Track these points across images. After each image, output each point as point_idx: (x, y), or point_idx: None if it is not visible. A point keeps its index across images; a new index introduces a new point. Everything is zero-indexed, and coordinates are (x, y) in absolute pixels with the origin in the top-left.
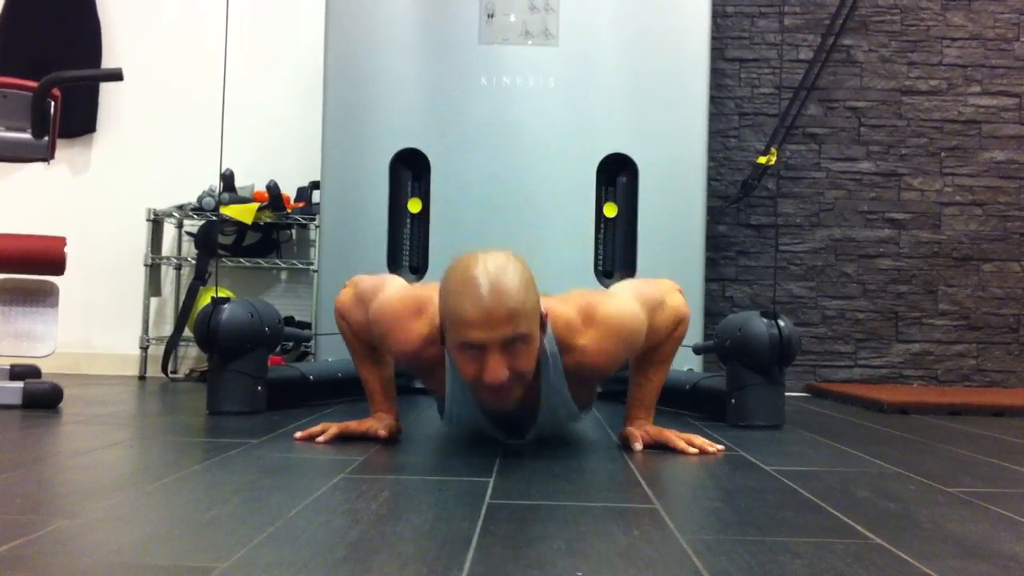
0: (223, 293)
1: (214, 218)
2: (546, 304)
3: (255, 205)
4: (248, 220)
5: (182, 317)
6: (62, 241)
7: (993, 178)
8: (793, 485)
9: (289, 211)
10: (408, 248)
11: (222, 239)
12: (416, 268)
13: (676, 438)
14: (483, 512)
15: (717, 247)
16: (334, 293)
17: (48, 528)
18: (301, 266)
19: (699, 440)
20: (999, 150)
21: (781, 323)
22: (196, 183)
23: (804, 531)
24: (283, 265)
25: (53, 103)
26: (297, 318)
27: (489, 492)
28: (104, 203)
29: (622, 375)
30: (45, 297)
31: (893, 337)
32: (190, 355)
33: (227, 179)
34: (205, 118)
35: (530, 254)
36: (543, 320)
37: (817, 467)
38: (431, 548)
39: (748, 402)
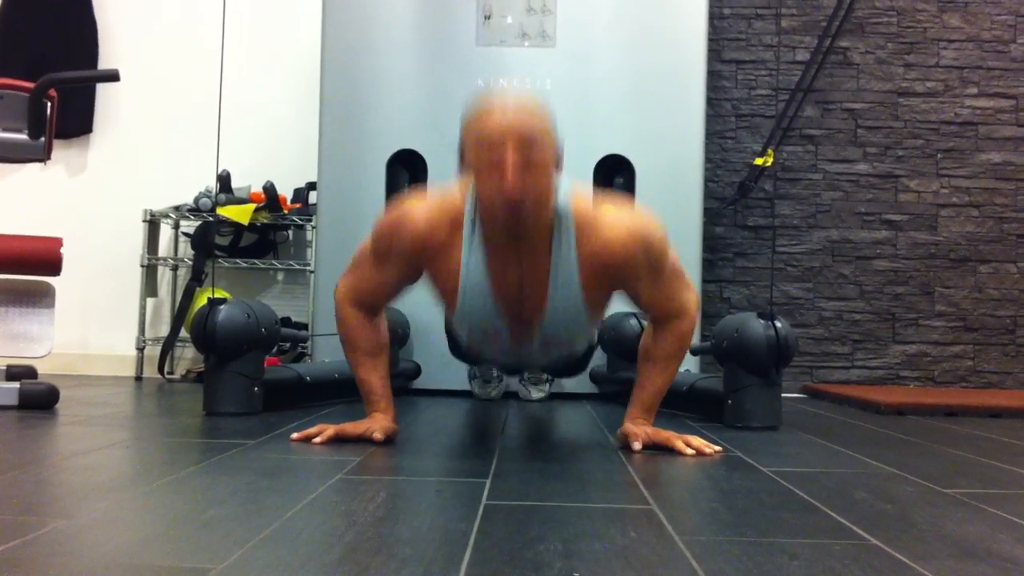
0: (220, 294)
1: (211, 219)
2: (574, 192)
3: (252, 206)
4: (245, 221)
5: (179, 318)
6: (58, 242)
7: (990, 180)
8: (790, 486)
9: (286, 212)
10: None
11: (219, 240)
12: None
13: (674, 439)
14: (480, 513)
15: (714, 248)
16: (331, 294)
17: (45, 529)
18: (298, 267)
19: (697, 441)
20: (996, 152)
21: (778, 324)
22: (193, 184)
23: (801, 532)
24: (280, 266)
25: (50, 104)
26: (294, 319)
27: (486, 493)
28: (101, 204)
29: (621, 377)
30: (41, 298)
31: (890, 338)
32: (187, 356)
33: (224, 180)
34: (202, 119)
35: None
36: (559, 159)
37: (814, 468)
38: (428, 549)
39: (745, 403)
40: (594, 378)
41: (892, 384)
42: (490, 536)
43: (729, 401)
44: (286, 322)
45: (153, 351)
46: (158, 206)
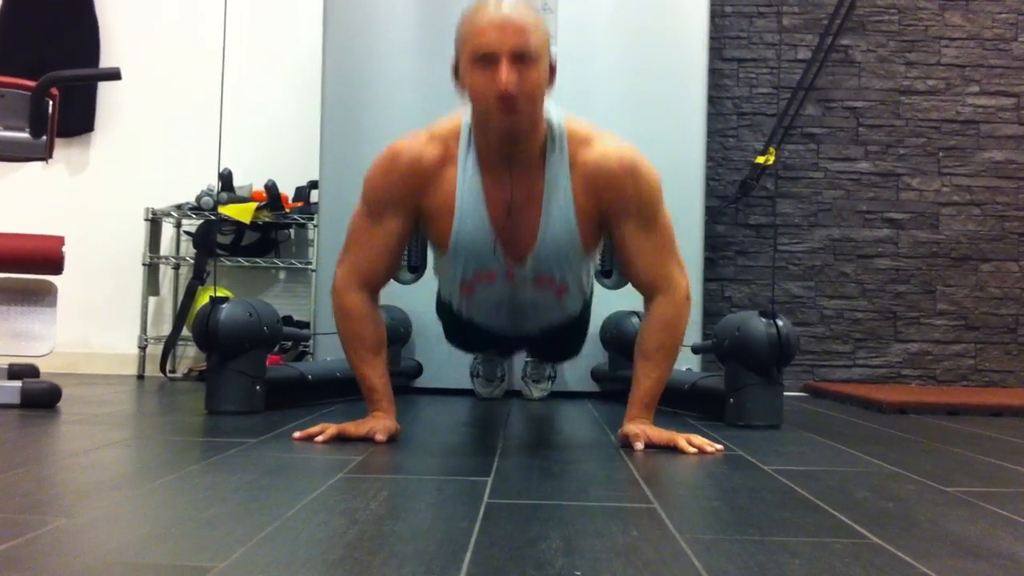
0: (221, 292)
1: (212, 217)
2: (568, 114)
3: (253, 205)
4: (246, 220)
5: (180, 316)
6: (60, 240)
7: (991, 178)
8: (791, 485)
9: (287, 211)
10: (406, 248)
11: (220, 239)
12: (414, 267)
13: (676, 437)
14: (481, 512)
15: (716, 247)
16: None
17: (46, 527)
18: (299, 266)
19: (698, 440)
20: (997, 150)
21: (779, 323)
22: (194, 183)
23: (802, 531)
24: (281, 265)
25: (51, 102)
26: (295, 317)
27: (487, 492)
28: (102, 202)
29: (621, 375)
30: (43, 296)
31: (891, 337)
32: (188, 355)
33: (225, 179)
34: (203, 118)
35: None
36: (552, 63)
37: (815, 467)
38: (429, 548)
39: (746, 402)
40: (595, 376)
41: (894, 383)
42: (491, 534)
43: (731, 400)
44: (288, 321)
45: (155, 350)
46: (160, 205)
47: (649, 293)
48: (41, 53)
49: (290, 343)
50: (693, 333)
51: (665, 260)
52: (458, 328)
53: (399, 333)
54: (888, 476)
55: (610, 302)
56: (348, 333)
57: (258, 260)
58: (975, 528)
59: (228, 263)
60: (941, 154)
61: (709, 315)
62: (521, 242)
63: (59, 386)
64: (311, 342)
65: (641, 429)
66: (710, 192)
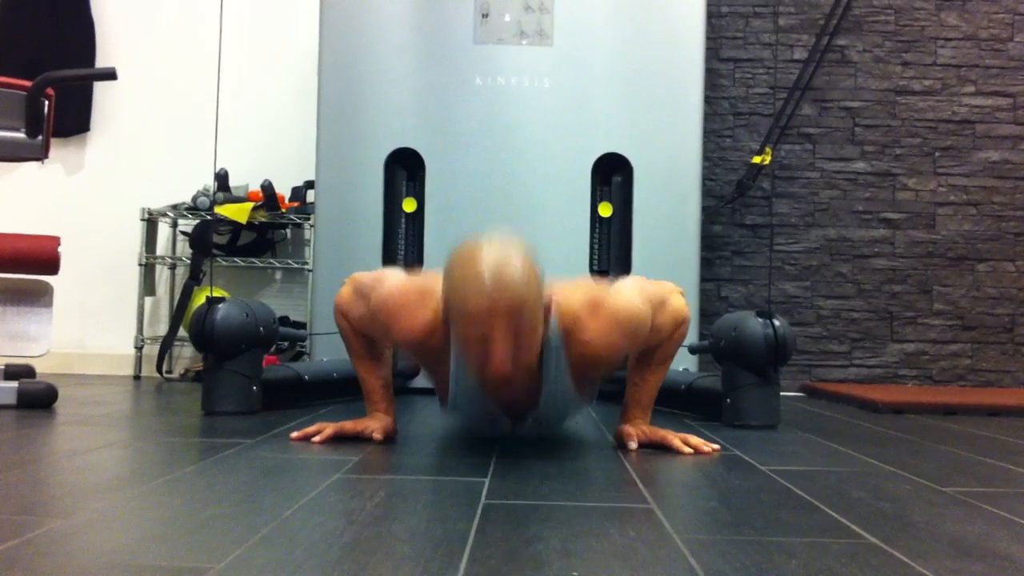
0: (218, 293)
1: (209, 217)
2: (552, 292)
3: (250, 204)
4: (243, 220)
5: (177, 317)
6: (56, 241)
7: (987, 178)
8: (788, 485)
9: (284, 211)
10: (403, 247)
11: (217, 239)
12: (411, 267)
13: (672, 437)
14: (479, 512)
15: (712, 247)
16: (329, 293)
17: (43, 529)
18: (296, 266)
19: (694, 440)
20: (993, 150)
21: (776, 323)
22: (191, 182)
23: (799, 531)
24: (278, 265)
25: (47, 102)
26: (292, 318)
27: (485, 492)
28: (98, 202)
29: (620, 375)
30: (39, 297)
31: (888, 337)
32: (185, 355)
33: (222, 178)
34: (199, 117)
35: None
36: (547, 310)
37: (812, 467)
38: (426, 548)
39: (743, 402)
40: None
41: (890, 383)
42: (489, 535)
43: (727, 400)
44: (284, 321)
45: (151, 350)
46: (156, 205)
47: (663, 340)
48: (37, 53)
49: (287, 343)
50: (690, 333)
51: (667, 318)
52: None
53: None
54: (885, 476)
55: None
56: (346, 343)
57: (254, 260)
58: (972, 528)
59: (224, 263)
60: (937, 154)
61: (706, 315)
62: (520, 408)
63: (55, 387)
64: (308, 342)
65: (638, 429)
66: (706, 192)
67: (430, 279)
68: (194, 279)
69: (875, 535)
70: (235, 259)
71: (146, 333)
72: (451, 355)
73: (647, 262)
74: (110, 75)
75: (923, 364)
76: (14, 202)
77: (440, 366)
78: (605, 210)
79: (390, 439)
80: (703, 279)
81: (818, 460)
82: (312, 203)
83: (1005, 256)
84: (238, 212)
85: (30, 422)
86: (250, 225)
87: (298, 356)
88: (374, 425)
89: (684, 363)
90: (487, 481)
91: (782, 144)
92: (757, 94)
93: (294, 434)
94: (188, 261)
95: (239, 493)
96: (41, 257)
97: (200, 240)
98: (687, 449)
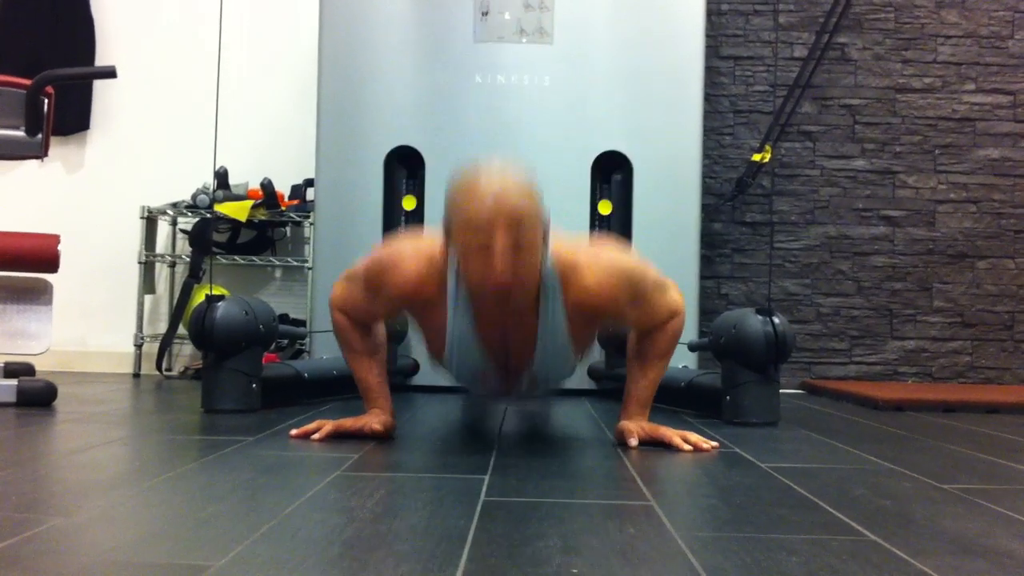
0: (217, 291)
1: (208, 216)
2: (554, 240)
3: (249, 203)
4: (242, 218)
5: (176, 315)
6: (55, 239)
7: (987, 175)
8: (788, 482)
9: (283, 209)
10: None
11: (216, 237)
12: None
13: (671, 435)
14: (478, 509)
15: (712, 244)
16: (329, 291)
17: (43, 526)
18: (296, 264)
19: (694, 437)
20: (993, 148)
21: (776, 320)
22: (190, 180)
23: (799, 528)
24: (278, 263)
25: (47, 101)
26: (292, 316)
27: (484, 489)
28: (98, 201)
29: (620, 372)
30: (39, 295)
31: (888, 334)
32: (184, 353)
33: (221, 176)
34: (199, 115)
35: None
36: (546, 233)
37: (812, 464)
38: (426, 546)
39: (743, 399)
40: (592, 374)
41: (890, 380)
42: (489, 532)
43: (727, 397)
44: (284, 319)
45: (151, 348)
46: (156, 203)
47: (658, 327)
48: (37, 52)
49: (286, 341)
50: (689, 331)
51: (662, 306)
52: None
53: (396, 331)
54: (885, 473)
55: None
56: (342, 340)
57: (254, 258)
58: (972, 525)
59: (224, 261)
60: (937, 152)
61: (706, 313)
62: (516, 366)
63: (55, 385)
64: (307, 340)
65: (637, 426)
66: (707, 190)
67: (419, 236)
68: (194, 277)
69: (875, 532)
70: (235, 257)
71: (146, 331)
72: (449, 306)
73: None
74: (110, 73)
75: (923, 361)
76: (14, 200)
77: (435, 318)
78: (605, 208)
79: (390, 434)
80: (703, 277)
81: (818, 457)
82: (312, 201)
83: (1005, 253)
84: (238, 210)
85: (30, 420)
86: (250, 223)
87: (298, 354)
88: (373, 420)
89: (684, 360)
90: (487, 478)
91: (782, 142)
92: (757, 92)
93: (293, 432)
94: (188, 259)
95: (239, 491)
96: (41, 255)
97: (200, 238)
98: (687, 446)
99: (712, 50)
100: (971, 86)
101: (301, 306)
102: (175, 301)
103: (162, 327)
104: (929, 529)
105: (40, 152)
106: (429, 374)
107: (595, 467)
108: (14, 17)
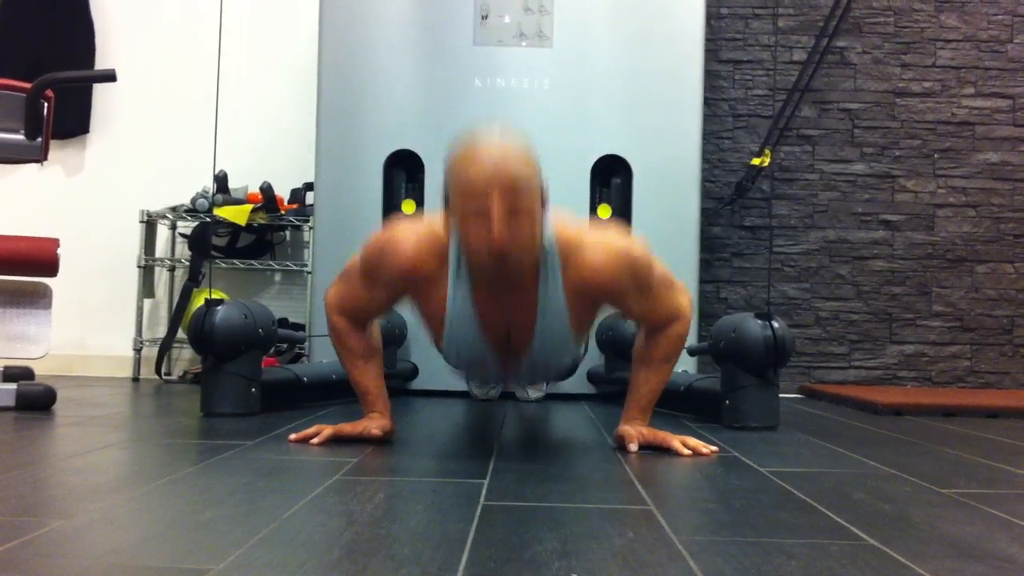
0: (217, 295)
1: (208, 219)
2: (558, 219)
3: (249, 206)
4: (242, 221)
5: (176, 319)
6: (55, 242)
7: (986, 180)
8: (788, 486)
9: (283, 212)
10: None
11: (216, 240)
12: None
13: (671, 439)
14: (478, 513)
15: (711, 248)
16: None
17: (43, 530)
18: (295, 268)
19: (693, 441)
20: (992, 152)
21: (775, 324)
22: (190, 184)
23: (799, 532)
24: (277, 267)
25: (46, 104)
26: (291, 320)
27: (484, 493)
28: (98, 205)
29: (618, 377)
30: (38, 298)
31: (887, 338)
32: (184, 357)
33: (221, 180)
34: (199, 119)
35: None
36: (544, 201)
37: (812, 468)
38: (426, 550)
39: (742, 403)
40: (592, 378)
41: (889, 384)
42: (488, 536)
43: (727, 401)
44: (283, 323)
45: (150, 352)
46: (155, 207)
47: (662, 327)
48: (37, 55)
49: (285, 345)
50: (689, 334)
51: (667, 303)
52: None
53: (395, 335)
54: (884, 478)
55: None
56: (338, 345)
57: (254, 262)
58: (971, 530)
59: (224, 265)
60: (936, 156)
61: (705, 317)
62: (515, 347)
63: (54, 388)
64: (307, 344)
65: (637, 430)
66: (706, 194)
67: (414, 218)
68: (193, 281)
69: (875, 536)
70: (234, 261)
71: (145, 335)
72: (449, 284)
73: None
74: (110, 77)
75: (922, 366)
76: (13, 204)
77: (435, 299)
78: (604, 212)
79: (389, 438)
80: (702, 281)
81: (817, 461)
82: (311, 205)
83: (1004, 258)
84: (237, 214)
85: (29, 424)
86: (249, 227)
87: (297, 358)
88: (372, 425)
89: (683, 364)
90: (486, 482)
91: (781, 146)
92: (756, 96)
93: (292, 436)
94: (187, 263)
95: (238, 494)
96: (40, 259)
97: (199, 242)
98: (686, 451)
99: (711, 54)
100: (970, 90)
101: (300, 310)
102: (174, 305)
103: (161, 331)
104: (928, 533)
105: (40, 156)
106: (428, 378)
107: (594, 471)
108: (14, 18)
